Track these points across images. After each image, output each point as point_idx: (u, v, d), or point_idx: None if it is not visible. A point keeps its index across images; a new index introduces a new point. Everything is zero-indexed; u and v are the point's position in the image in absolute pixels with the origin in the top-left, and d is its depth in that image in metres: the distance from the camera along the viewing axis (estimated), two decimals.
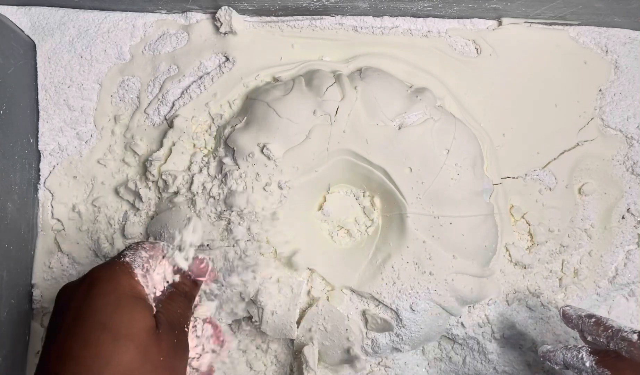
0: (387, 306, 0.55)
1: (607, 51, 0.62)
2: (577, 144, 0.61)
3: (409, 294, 0.54)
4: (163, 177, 0.57)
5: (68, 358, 0.37)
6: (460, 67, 0.61)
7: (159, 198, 0.59)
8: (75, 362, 0.37)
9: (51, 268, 0.60)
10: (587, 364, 0.49)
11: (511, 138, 0.60)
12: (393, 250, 0.55)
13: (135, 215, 0.59)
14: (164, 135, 0.59)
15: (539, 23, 0.61)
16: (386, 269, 0.55)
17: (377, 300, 0.55)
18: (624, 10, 0.58)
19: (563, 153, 0.60)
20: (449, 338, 0.60)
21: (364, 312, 0.56)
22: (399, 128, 0.55)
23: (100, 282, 0.40)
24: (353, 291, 0.56)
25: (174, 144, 0.58)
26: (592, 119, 0.61)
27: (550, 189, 0.60)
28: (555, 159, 0.60)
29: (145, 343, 0.38)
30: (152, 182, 0.58)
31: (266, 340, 0.59)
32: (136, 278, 0.41)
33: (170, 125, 0.59)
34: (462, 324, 0.59)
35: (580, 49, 0.62)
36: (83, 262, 0.60)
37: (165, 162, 0.58)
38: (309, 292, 0.56)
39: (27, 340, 0.60)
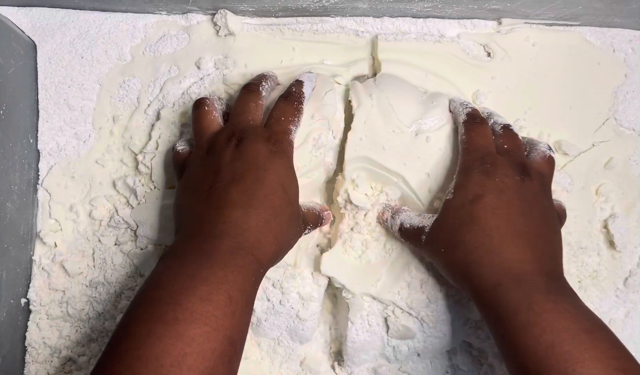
0: (408, 313, 0.55)
1: (614, 50, 0.62)
2: (593, 144, 0.61)
3: (429, 299, 0.54)
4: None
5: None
6: (474, 71, 0.60)
7: (150, 189, 0.59)
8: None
9: (50, 268, 0.60)
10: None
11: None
12: (412, 257, 0.55)
13: (126, 206, 0.60)
14: (152, 128, 0.60)
15: (538, 23, 0.61)
16: (406, 275, 0.55)
17: (398, 307, 0.55)
18: (624, 10, 0.58)
19: (579, 154, 0.60)
20: (469, 344, 0.60)
21: (385, 320, 0.56)
22: (416, 134, 0.54)
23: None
24: (374, 298, 0.55)
25: (159, 137, 0.59)
26: (607, 120, 0.61)
27: (566, 190, 0.59)
28: (571, 160, 0.60)
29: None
30: (145, 174, 0.59)
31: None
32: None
33: (157, 118, 0.60)
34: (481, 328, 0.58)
35: (594, 50, 0.61)
36: (81, 263, 0.60)
37: (155, 156, 0.58)
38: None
39: (25, 340, 0.60)
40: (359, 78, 0.61)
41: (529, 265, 0.45)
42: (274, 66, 0.60)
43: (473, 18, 0.61)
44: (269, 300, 0.56)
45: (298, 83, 0.54)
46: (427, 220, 0.51)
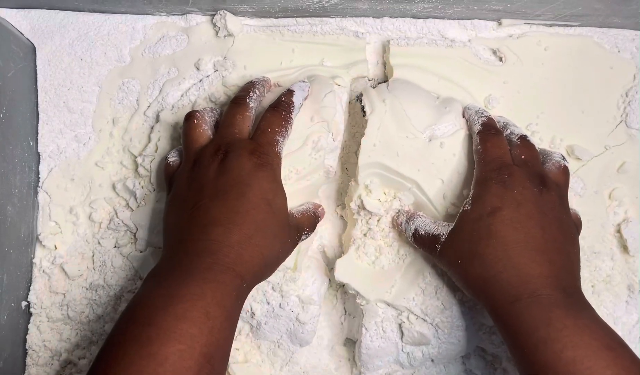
0: (423, 319, 0.54)
1: (619, 51, 0.61)
2: (606, 148, 0.60)
3: (444, 306, 0.54)
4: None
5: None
6: (486, 76, 0.60)
7: (150, 192, 0.59)
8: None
9: (50, 271, 0.60)
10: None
11: (539, 145, 0.58)
12: (425, 263, 0.54)
13: (126, 208, 0.60)
14: (151, 130, 0.59)
15: (539, 24, 0.61)
16: (420, 281, 0.54)
17: (413, 313, 0.54)
18: (624, 11, 0.57)
19: (591, 159, 0.59)
20: (482, 349, 0.59)
21: (399, 326, 0.55)
22: (430, 140, 0.54)
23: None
24: (388, 304, 0.55)
25: (159, 140, 0.59)
26: (620, 123, 0.60)
27: (579, 195, 0.59)
28: (583, 165, 0.59)
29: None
30: (145, 177, 0.59)
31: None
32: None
33: (157, 120, 0.59)
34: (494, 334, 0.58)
35: (605, 54, 0.61)
36: (81, 265, 0.60)
37: (155, 158, 0.58)
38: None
39: (25, 343, 0.60)
40: (359, 79, 0.61)
41: (548, 280, 0.44)
42: (273, 68, 0.60)
43: (473, 18, 0.61)
44: (268, 303, 0.55)
45: (288, 92, 0.53)
46: (442, 229, 0.50)
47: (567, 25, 0.61)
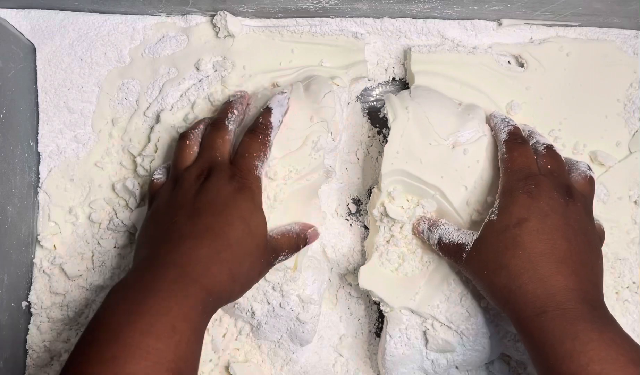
0: (448, 327, 0.54)
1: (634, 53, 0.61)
2: (630, 152, 0.60)
3: (469, 313, 0.53)
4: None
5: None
6: (508, 82, 0.60)
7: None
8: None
9: (50, 271, 0.60)
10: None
11: (561, 151, 0.57)
12: (450, 270, 0.54)
13: (126, 209, 0.60)
14: (151, 130, 0.60)
15: (539, 24, 0.61)
16: (444, 288, 0.54)
17: (437, 320, 0.54)
18: (624, 11, 0.57)
19: (615, 164, 0.59)
20: (507, 355, 0.59)
21: (424, 333, 0.55)
22: (453, 147, 0.54)
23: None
24: (412, 312, 0.55)
25: (158, 140, 0.59)
26: None
27: (602, 201, 0.58)
28: (606, 171, 0.59)
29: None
30: (144, 177, 0.59)
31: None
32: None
33: (157, 120, 0.59)
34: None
35: (628, 59, 0.60)
36: (80, 265, 0.60)
37: (154, 159, 0.58)
38: None
39: (26, 343, 0.60)
40: (358, 80, 0.61)
41: (574, 293, 0.44)
42: (272, 68, 0.60)
43: (473, 18, 0.61)
44: (269, 303, 0.55)
45: (266, 112, 0.53)
46: (467, 237, 0.50)
47: (567, 25, 0.61)
